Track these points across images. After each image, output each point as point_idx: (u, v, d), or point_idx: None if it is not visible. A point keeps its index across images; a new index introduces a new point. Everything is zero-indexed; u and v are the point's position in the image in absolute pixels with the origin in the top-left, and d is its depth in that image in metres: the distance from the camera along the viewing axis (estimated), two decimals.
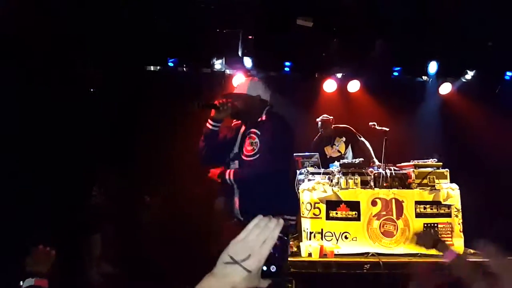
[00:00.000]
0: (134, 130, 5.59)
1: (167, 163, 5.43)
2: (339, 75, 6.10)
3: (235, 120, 3.00)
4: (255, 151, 2.64)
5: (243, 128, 2.85)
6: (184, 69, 6.18)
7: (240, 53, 5.71)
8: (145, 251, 4.72)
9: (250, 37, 5.68)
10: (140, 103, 5.69)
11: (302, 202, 4.54)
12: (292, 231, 2.65)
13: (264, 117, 2.76)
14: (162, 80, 6.05)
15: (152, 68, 6.23)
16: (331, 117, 5.32)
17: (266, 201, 2.53)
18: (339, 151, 5.30)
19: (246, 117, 2.80)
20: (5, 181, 4.15)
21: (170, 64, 6.02)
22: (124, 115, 5.59)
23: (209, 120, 2.78)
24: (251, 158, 2.65)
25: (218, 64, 5.97)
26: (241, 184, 2.69)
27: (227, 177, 2.66)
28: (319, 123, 5.33)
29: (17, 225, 3.88)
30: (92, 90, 6.02)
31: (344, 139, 5.31)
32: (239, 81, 2.88)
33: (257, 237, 0.94)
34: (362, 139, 5.23)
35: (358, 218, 4.46)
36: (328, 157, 5.26)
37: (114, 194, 5.05)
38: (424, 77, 6.25)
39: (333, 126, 5.33)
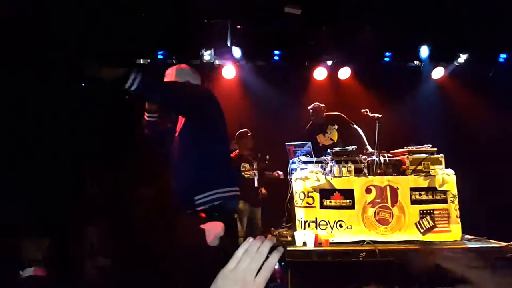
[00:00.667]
0: (126, 123, 5.50)
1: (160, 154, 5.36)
2: (329, 63, 6.02)
3: None
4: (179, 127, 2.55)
5: None
6: (174, 61, 6.08)
7: (229, 43, 5.62)
8: (140, 244, 4.66)
9: (239, 26, 5.59)
10: (130, 96, 5.58)
11: (295, 192, 4.48)
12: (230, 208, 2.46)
13: None
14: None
15: (141, 61, 6.14)
16: (323, 105, 5.24)
17: (197, 174, 2.40)
18: (331, 139, 5.22)
19: None
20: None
21: (160, 56, 5.92)
22: (116, 108, 5.50)
23: (145, 113, 2.74)
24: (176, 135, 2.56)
25: (207, 55, 5.89)
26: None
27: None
28: (311, 111, 5.26)
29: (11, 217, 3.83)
30: (83, 84, 5.95)
31: (336, 126, 5.23)
32: (170, 70, 2.70)
33: (249, 266, 0.79)
34: (355, 126, 5.16)
35: (352, 206, 4.40)
36: (320, 145, 5.19)
37: (109, 186, 4.99)
38: (416, 62, 6.18)
39: (324, 114, 5.25)
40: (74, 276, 4.44)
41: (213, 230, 2.25)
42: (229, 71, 5.90)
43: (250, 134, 5.21)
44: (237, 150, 5.26)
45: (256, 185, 5.13)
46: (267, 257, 0.80)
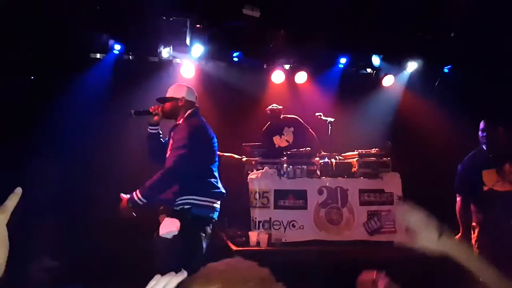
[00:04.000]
0: (72, 121, 5.31)
1: (106, 154, 5.26)
2: (286, 66, 6.13)
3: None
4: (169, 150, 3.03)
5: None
6: (130, 57, 5.95)
7: (188, 42, 5.57)
8: (85, 244, 4.53)
9: (198, 25, 5.56)
10: (84, 90, 5.42)
11: (251, 192, 4.56)
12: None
13: (181, 120, 3.10)
14: (106, 68, 5.79)
15: (98, 55, 5.94)
16: (281, 107, 5.35)
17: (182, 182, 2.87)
18: (287, 141, 5.34)
19: (173, 117, 3.18)
20: None
21: (115, 51, 5.77)
22: (62, 103, 5.28)
23: (148, 125, 3.18)
24: (167, 156, 3.02)
25: (165, 52, 5.78)
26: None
27: (135, 198, 2.82)
28: (269, 112, 5.34)
29: None
30: (32, 78, 5.69)
31: (292, 129, 5.35)
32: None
33: None
34: (310, 129, 5.31)
35: (305, 207, 4.56)
36: (276, 146, 5.30)
37: (51, 186, 4.80)
38: (368, 70, 6.44)
39: (282, 116, 5.36)
40: (17, 276, 4.25)
41: (168, 225, 2.71)
42: (188, 70, 5.85)
43: None
44: None
45: None
46: None
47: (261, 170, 4.63)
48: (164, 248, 2.72)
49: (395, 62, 6.08)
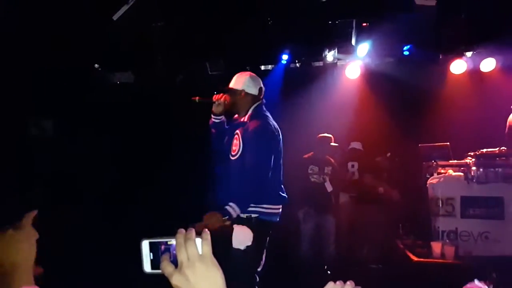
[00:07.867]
0: None
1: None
2: (469, 54, 5.39)
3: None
4: (236, 151, 2.80)
5: (235, 123, 3.01)
6: (297, 65, 6.12)
7: (353, 42, 5.42)
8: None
9: (365, 24, 5.35)
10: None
11: (432, 198, 4.15)
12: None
13: (247, 118, 2.86)
14: (277, 77, 6.06)
15: (262, 67, 6.28)
16: None
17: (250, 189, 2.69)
18: None
19: (234, 111, 2.98)
20: None
21: (283, 61, 6.02)
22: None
23: (211, 114, 3.01)
24: (234, 158, 2.82)
25: (330, 56, 5.79)
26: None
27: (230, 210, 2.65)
28: None
29: None
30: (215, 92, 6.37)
31: None
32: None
33: None
34: None
35: (501, 216, 3.92)
36: None
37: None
38: None
39: None
40: None
41: (241, 235, 2.60)
42: (353, 71, 5.71)
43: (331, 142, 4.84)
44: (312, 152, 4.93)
45: (328, 190, 4.70)
46: None
47: (443, 174, 4.14)
48: (238, 258, 2.58)
49: None
